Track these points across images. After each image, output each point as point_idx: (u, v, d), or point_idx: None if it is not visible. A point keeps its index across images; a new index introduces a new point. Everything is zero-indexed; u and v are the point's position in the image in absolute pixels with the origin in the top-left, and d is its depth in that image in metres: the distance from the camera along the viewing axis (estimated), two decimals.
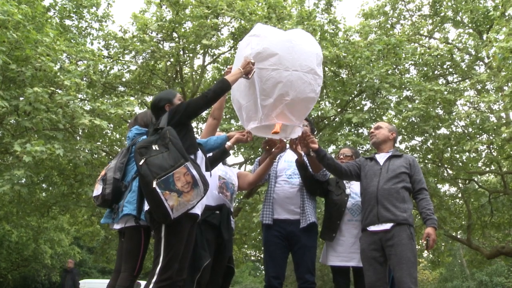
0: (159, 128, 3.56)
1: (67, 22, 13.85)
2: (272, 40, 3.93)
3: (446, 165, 14.07)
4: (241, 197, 14.24)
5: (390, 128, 4.78)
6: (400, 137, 13.12)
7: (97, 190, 4.04)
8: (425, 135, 12.69)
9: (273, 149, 4.64)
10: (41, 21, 10.28)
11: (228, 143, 4.25)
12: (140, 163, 3.32)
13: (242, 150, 13.44)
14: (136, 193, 3.87)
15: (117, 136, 13.97)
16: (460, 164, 14.08)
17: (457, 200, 16.58)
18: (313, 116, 11.84)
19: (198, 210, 3.60)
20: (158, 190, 3.21)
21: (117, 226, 3.99)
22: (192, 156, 3.57)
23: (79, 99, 10.24)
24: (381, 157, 4.63)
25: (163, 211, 3.26)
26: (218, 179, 4.47)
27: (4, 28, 8.50)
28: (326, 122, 13.24)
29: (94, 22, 14.33)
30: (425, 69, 12.96)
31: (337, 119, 12.66)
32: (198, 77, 14.70)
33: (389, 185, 4.36)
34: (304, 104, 3.93)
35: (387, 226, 4.25)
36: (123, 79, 13.75)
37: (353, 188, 4.92)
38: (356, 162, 4.74)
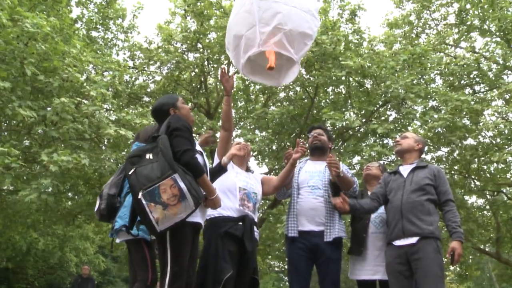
0: (157, 136, 3.49)
1: (94, 33, 14.08)
2: None
3: (473, 176, 13.82)
4: (265, 208, 14.19)
5: (416, 139, 4.67)
6: (425, 148, 12.92)
7: (96, 205, 4.14)
8: (452, 145, 12.49)
9: (293, 154, 4.60)
10: (68, 33, 10.46)
11: (225, 159, 4.12)
12: (130, 172, 3.27)
13: (267, 160, 13.42)
14: (127, 208, 3.89)
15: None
16: (488, 175, 13.80)
17: (485, 212, 16.24)
18: (337, 126, 11.77)
19: (199, 219, 3.54)
20: (143, 202, 3.14)
21: (118, 240, 4.06)
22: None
23: (104, 109, 10.37)
24: (405, 169, 4.54)
25: (149, 223, 3.20)
26: (238, 191, 4.39)
27: (33, 40, 8.68)
28: (351, 133, 13.14)
29: (120, 33, 14.54)
30: (451, 78, 12.79)
31: (362, 129, 12.56)
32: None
33: (413, 198, 4.27)
34: (301, 38, 3.93)
35: (413, 240, 4.16)
36: (148, 90, 13.87)
37: None
38: (380, 184, 4.67)
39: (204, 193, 3.46)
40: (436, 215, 4.32)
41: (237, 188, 4.39)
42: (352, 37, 12.17)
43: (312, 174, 4.76)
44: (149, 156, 3.31)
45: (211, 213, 4.22)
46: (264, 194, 4.90)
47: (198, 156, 3.59)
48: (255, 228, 4.44)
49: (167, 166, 3.20)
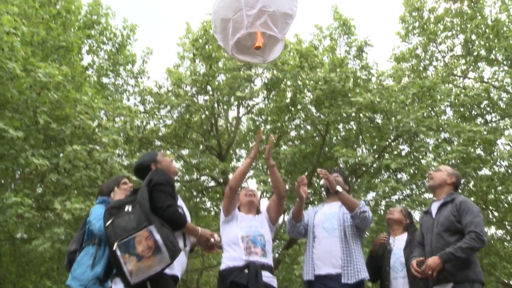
0: (137, 189, 3.47)
1: (104, 80, 14.31)
2: None
3: (491, 207, 13.59)
4: (281, 249, 14.00)
5: (450, 172, 4.41)
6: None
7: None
8: (467, 177, 12.34)
9: (300, 190, 4.55)
10: (80, 80, 10.64)
11: (193, 239, 3.92)
12: (107, 224, 3.22)
13: None
14: (82, 266, 3.95)
15: None
16: (506, 205, 13.57)
17: (506, 243, 15.89)
18: (350, 163, 11.71)
19: (176, 271, 3.47)
20: (118, 253, 3.09)
21: None
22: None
23: (116, 155, 10.41)
24: (434, 207, 4.32)
25: (123, 275, 3.13)
26: (241, 241, 4.32)
27: (46, 90, 8.82)
28: (364, 169, 13.05)
29: (130, 78, 14.76)
30: (462, 109, 12.75)
31: (374, 165, 12.48)
32: (233, 129, 14.80)
33: (442, 243, 4.02)
34: (283, 18, 4.17)
35: (448, 287, 3.95)
36: (160, 134, 13.95)
37: (397, 242, 4.74)
38: (419, 229, 4.49)
39: (194, 239, 3.48)
40: (472, 255, 4.01)
41: (239, 238, 4.33)
42: (360, 73, 12.24)
43: (327, 215, 4.67)
44: (128, 208, 3.29)
45: (221, 267, 4.26)
46: (274, 220, 4.78)
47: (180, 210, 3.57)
48: (266, 273, 4.28)
49: (144, 217, 3.17)
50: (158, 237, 3.13)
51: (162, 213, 3.33)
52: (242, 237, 4.35)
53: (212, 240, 3.70)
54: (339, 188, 4.49)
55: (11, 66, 8.27)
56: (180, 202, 3.72)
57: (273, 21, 4.08)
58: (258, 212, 4.69)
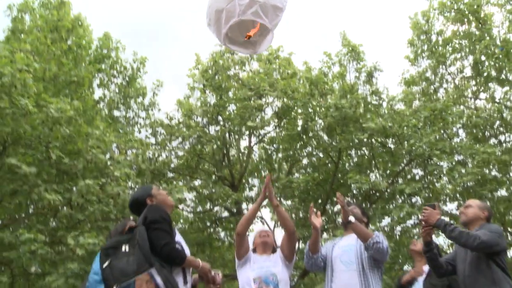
0: (134, 227, 3.35)
1: (116, 113, 14.38)
2: None
3: (509, 229, 13.34)
4: (296, 277, 13.80)
5: (481, 206, 4.27)
6: (455, 204, 12.60)
7: None
8: (483, 199, 12.15)
9: (313, 221, 4.48)
10: (91, 114, 10.70)
11: (195, 276, 3.83)
12: (104, 266, 3.11)
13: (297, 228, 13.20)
14: None
15: None
16: None
17: None
18: (364, 189, 11.60)
19: None
20: None
21: None
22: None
23: (129, 188, 10.40)
24: None
25: None
26: (253, 283, 4.26)
27: (58, 125, 8.89)
28: (378, 195, 12.92)
29: (141, 111, 14.82)
30: (475, 131, 12.64)
31: (388, 190, 12.35)
32: (245, 158, 14.77)
33: (473, 271, 3.89)
34: (273, 10, 4.36)
35: None
36: (172, 165, 13.94)
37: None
38: (452, 253, 4.37)
39: (196, 276, 3.44)
40: (506, 282, 3.84)
41: (251, 280, 4.28)
42: (371, 98, 12.23)
43: (344, 248, 4.58)
44: (125, 248, 3.17)
45: None
46: (289, 257, 4.69)
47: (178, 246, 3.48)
48: None
49: (144, 260, 3.07)
50: (159, 280, 3.04)
51: (160, 252, 3.24)
52: (254, 279, 4.29)
53: (213, 273, 3.62)
54: (351, 218, 4.42)
55: (23, 103, 8.37)
56: (178, 236, 3.63)
57: (263, 11, 4.31)
58: (274, 251, 4.63)
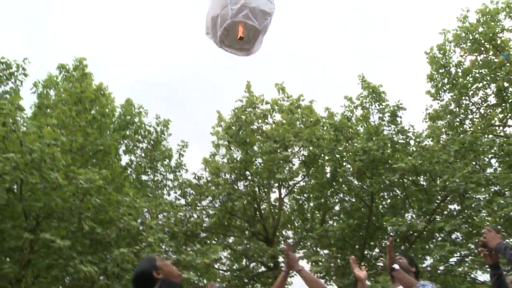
0: None
1: (143, 177, 14.45)
2: None
3: None
4: None
5: None
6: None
7: None
8: None
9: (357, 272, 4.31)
10: (119, 181, 10.75)
11: None
12: None
13: (334, 278, 12.85)
14: None
15: (204, 281, 13.77)
16: None
17: None
18: (401, 231, 11.29)
19: None
20: None
21: None
22: None
23: (163, 251, 10.29)
24: None
25: None
26: None
27: (88, 195, 8.92)
28: (416, 235, 12.55)
29: (169, 173, 14.87)
30: (508, 159, 12.31)
31: (426, 229, 12.01)
32: (277, 211, 14.59)
33: None
34: (262, 14, 4.78)
35: None
36: (204, 225, 13.84)
37: None
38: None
39: None
40: None
41: None
42: (397, 137, 12.07)
43: None
44: None
45: None
46: None
47: None
48: None
49: None
50: None
51: None
52: None
53: None
54: (395, 266, 4.25)
55: (53, 176, 8.44)
56: None
57: (253, 15, 4.79)
58: None
